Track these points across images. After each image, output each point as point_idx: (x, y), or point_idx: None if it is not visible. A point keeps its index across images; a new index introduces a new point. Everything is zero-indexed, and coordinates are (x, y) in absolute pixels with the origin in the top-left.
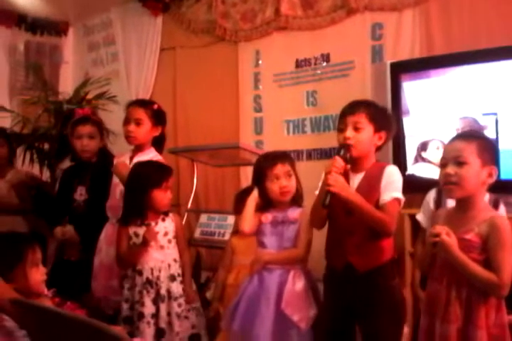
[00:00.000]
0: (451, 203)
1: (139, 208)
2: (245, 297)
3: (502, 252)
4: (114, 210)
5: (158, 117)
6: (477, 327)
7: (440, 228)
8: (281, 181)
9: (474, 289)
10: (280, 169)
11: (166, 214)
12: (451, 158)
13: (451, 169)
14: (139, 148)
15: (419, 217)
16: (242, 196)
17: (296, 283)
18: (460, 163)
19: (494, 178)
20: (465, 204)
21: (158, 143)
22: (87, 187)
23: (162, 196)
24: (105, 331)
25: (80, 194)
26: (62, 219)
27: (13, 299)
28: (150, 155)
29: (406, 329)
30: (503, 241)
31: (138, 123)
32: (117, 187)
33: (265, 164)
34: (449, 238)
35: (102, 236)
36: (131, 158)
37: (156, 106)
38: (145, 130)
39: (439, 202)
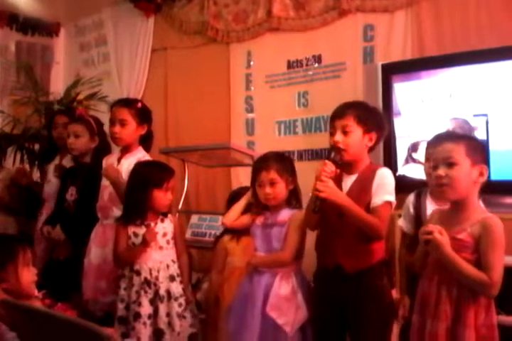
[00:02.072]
0: (430, 207)
1: (139, 208)
2: (237, 300)
3: (493, 252)
4: (103, 211)
5: (143, 115)
6: (466, 326)
7: (433, 226)
8: (264, 188)
9: (464, 288)
10: (264, 176)
11: (164, 215)
12: (440, 160)
13: (441, 171)
14: (126, 149)
15: (401, 222)
16: (235, 196)
17: (283, 286)
18: (450, 164)
19: (485, 177)
20: (459, 204)
21: (145, 142)
22: (77, 187)
23: (162, 196)
24: (96, 332)
25: (71, 194)
26: (52, 218)
27: (2, 300)
28: (138, 155)
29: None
30: (495, 242)
31: (123, 123)
32: (106, 189)
33: (254, 168)
34: (441, 236)
35: (91, 236)
36: (119, 159)
37: (139, 105)
38: (130, 130)
39: (418, 206)
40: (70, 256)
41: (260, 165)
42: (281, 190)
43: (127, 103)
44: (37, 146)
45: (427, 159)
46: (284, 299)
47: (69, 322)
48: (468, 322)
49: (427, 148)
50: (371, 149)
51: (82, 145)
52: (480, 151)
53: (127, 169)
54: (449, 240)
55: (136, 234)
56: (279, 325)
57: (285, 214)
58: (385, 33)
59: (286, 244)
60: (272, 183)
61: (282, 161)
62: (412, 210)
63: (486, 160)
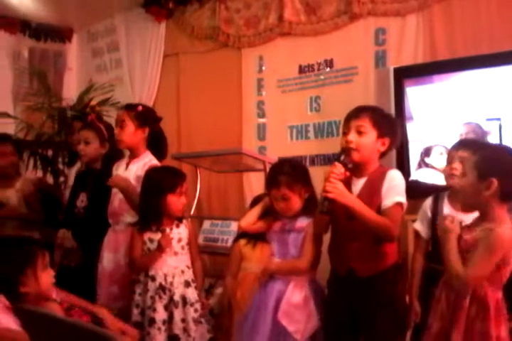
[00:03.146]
0: (447, 211)
1: (154, 214)
2: (251, 308)
3: (482, 253)
4: (114, 217)
5: (143, 118)
6: (455, 328)
7: (450, 215)
8: (278, 203)
9: (461, 292)
10: (275, 193)
11: (180, 220)
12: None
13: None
14: (134, 154)
15: (418, 226)
16: (258, 200)
17: (295, 294)
18: (462, 174)
19: (493, 189)
20: (482, 212)
21: (156, 147)
22: (88, 193)
23: (176, 201)
24: (102, 335)
25: (81, 200)
26: (65, 224)
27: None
28: (145, 160)
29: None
30: (489, 246)
31: (121, 125)
32: (116, 195)
33: (266, 182)
34: (450, 223)
35: (104, 242)
36: (127, 165)
37: (140, 108)
38: (129, 132)
39: (435, 210)
40: (81, 263)
41: (270, 180)
42: (294, 203)
43: (128, 106)
44: (50, 152)
45: (449, 162)
46: (295, 307)
47: (75, 326)
48: (457, 325)
49: (450, 151)
50: (382, 155)
51: (92, 151)
52: (490, 164)
53: (135, 174)
54: (456, 228)
55: (151, 240)
56: (290, 333)
57: (303, 220)
58: (397, 36)
59: (304, 253)
60: (285, 198)
61: (294, 172)
62: (429, 214)
63: (502, 175)
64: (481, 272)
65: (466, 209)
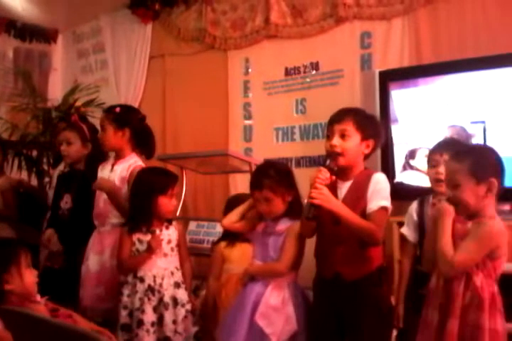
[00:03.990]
0: None
1: (145, 215)
2: (231, 309)
3: (471, 241)
4: (99, 219)
5: (122, 120)
6: (451, 317)
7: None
8: (260, 205)
9: (455, 281)
10: (258, 195)
11: (169, 221)
12: (447, 180)
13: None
14: (119, 155)
15: (404, 230)
16: (233, 202)
17: (273, 296)
18: (455, 186)
19: (495, 189)
20: (474, 214)
21: (142, 145)
22: (72, 195)
23: (167, 203)
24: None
25: (66, 202)
26: (50, 225)
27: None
28: (130, 161)
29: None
30: (479, 237)
31: (102, 129)
32: (101, 196)
33: (250, 183)
34: (446, 205)
35: (89, 244)
36: (113, 166)
37: (117, 110)
38: (109, 135)
39: (421, 214)
40: (65, 265)
41: (254, 182)
42: (276, 205)
43: (107, 109)
44: (35, 153)
45: (433, 166)
46: (273, 309)
47: (61, 327)
48: (453, 314)
49: (432, 155)
50: (366, 157)
51: (74, 152)
52: (487, 167)
53: (119, 175)
54: (453, 212)
55: (140, 241)
56: (266, 335)
57: (284, 223)
58: (382, 40)
59: (282, 255)
60: (267, 200)
61: (278, 176)
62: (415, 218)
63: (497, 172)
64: (468, 260)
65: (467, 215)
